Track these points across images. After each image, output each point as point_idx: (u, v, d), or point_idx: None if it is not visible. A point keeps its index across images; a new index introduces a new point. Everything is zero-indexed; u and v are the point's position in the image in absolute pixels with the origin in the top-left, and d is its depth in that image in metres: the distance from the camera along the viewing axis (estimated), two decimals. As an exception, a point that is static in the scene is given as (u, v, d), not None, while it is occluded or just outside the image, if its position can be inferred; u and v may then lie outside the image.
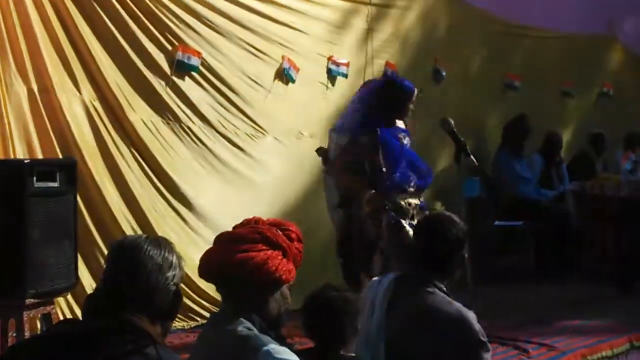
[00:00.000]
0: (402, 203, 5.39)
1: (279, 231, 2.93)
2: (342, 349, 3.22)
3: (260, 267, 2.82)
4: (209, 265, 2.93)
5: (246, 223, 3.00)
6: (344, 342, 3.21)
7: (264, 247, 2.86)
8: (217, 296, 5.85)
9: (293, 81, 7.29)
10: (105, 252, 5.67)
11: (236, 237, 2.93)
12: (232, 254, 2.85)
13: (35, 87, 5.56)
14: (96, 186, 5.83)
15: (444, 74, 8.90)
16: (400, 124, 5.73)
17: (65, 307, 5.48)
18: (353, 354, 3.28)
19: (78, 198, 5.47)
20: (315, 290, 3.31)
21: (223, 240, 2.97)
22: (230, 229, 3.05)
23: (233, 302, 2.88)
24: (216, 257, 2.92)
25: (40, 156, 5.43)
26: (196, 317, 6.24)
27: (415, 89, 5.69)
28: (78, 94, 5.83)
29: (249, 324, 2.80)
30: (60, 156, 5.52)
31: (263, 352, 2.68)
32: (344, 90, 7.66)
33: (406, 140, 5.63)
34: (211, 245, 3.01)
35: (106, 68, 6.00)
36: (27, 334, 4.38)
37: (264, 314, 2.86)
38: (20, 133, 5.44)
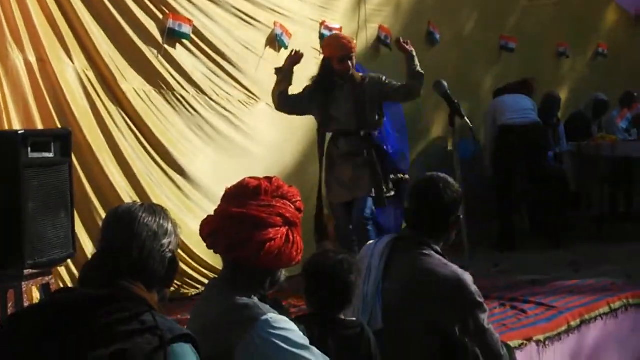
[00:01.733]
0: None
1: (291, 205, 2.84)
2: (342, 313, 3.23)
3: (276, 257, 2.77)
4: (221, 242, 2.83)
5: (261, 186, 2.84)
6: (347, 306, 3.21)
7: (281, 232, 2.77)
8: (215, 264, 5.92)
9: (286, 47, 7.25)
10: (105, 219, 5.70)
11: (253, 219, 2.77)
12: (248, 240, 2.75)
13: (31, 58, 5.54)
14: (93, 155, 5.84)
15: (437, 37, 8.87)
16: None
17: (67, 277, 5.50)
18: (354, 318, 3.28)
19: (78, 167, 5.51)
20: (315, 256, 3.29)
21: (237, 221, 2.78)
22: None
23: (235, 272, 2.82)
24: (230, 238, 2.79)
25: (40, 127, 5.44)
26: (196, 285, 6.27)
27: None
28: (71, 63, 5.81)
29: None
30: (59, 126, 5.51)
31: (262, 320, 2.67)
32: (337, 56, 7.61)
33: None
34: (221, 217, 2.83)
35: (97, 37, 5.98)
36: (25, 304, 4.39)
37: (265, 286, 2.86)
38: (19, 104, 5.43)
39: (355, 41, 6.09)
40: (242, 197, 2.83)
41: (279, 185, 2.87)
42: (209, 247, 2.90)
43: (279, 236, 2.77)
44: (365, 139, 5.85)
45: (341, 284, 3.17)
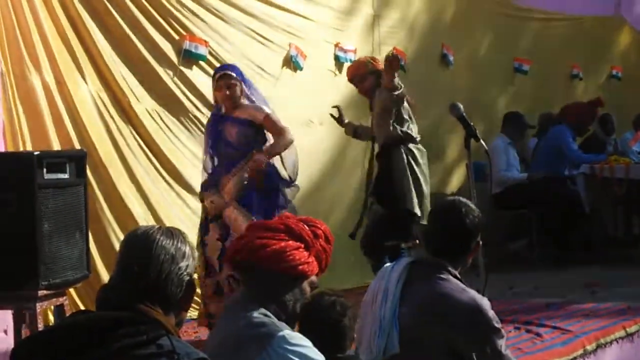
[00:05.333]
0: None
1: (306, 226, 2.96)
2: (339, 353, 3.22)
3: (277, 255, 2.86)
4: (231, 249, 3.02)
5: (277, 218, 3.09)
6: (341, 350, 3.22)
7: (285, 237, 2.90)
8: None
9: (301, 68, 7.28)
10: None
11: (262, 225, 3.05)
12: (253, 240, 2.90)
13: (49, 79, 5.57)
14: (109, 176, 5.85)
15: (451, 59, 8.88)
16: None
17: (82, 298, 5.49)
18: (351, 354, 3.28)
19: (95, 188, 5.52)
20: (311, 298, 3.21)
21: (249, 228, 3.08)
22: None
23: (251, 287, 2.92)
24: (237, 242, 3.01)
25: (57, 148, 5.46)
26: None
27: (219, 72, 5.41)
28: (85, 85, 5.83)
29: (265, 311, 2.82)
30: (78, 147, 5.53)
31: (278, 337, 2.71)
32: (351, 77, 7.63)
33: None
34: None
35: (113, 59, 6.00)
36: (40, 326, 4.39)
37: (280, 304, 2.87)
38: (36, 125, 5.45)
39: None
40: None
41: (306, 217, 3.11)
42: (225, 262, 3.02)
43: (280, 241, 2.88)
44: None
45: (331, 331, 3.19)
